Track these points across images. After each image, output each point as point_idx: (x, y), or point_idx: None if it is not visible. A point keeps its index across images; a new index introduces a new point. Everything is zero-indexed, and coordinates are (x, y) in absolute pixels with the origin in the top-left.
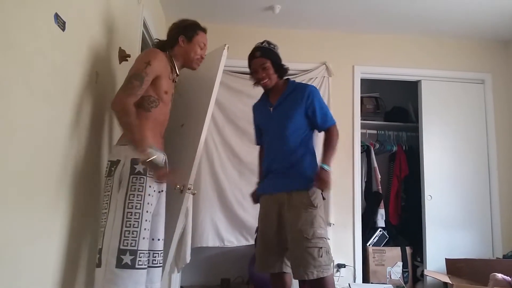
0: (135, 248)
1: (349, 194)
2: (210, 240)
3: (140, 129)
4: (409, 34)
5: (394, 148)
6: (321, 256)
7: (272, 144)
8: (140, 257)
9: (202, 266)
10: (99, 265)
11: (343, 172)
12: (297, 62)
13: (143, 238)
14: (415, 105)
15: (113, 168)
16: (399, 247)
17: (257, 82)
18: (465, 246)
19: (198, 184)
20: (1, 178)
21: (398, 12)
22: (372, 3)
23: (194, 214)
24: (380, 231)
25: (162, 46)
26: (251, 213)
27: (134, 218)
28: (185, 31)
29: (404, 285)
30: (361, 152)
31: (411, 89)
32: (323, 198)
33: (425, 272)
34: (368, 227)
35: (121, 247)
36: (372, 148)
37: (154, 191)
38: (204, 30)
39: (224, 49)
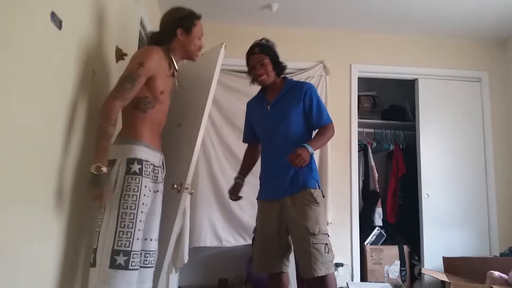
0: (129, 249)
1: (347, 193)
2: (208, 240)
3: (106, 141)
4: (406, 33)
5: (391, 147)
6: (328, 252)
7: (269, 143)
8: (134, 258)
9: (200, 266)
10: (93, 265)
11: (341, 171)
12: (294, 61)
13: (137, 238)
14: (412, 103)
15: (109, 168)
16: (397, 246)
17: (255, 79)
18: (462, 245)
19: (196, 183)
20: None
21: (395, 11)
22: (369, 2)
23: (191, 214)
24: (377, 229)
25: (158, 40)
26: (248, 213)
27: (129, 219)
28: (183, 23)
29: (402, 283)
30: (358, 151)
31: (408, 87)
32: (323, 196)
33: (423, 271)
34: (366, 226)
35: (115, 247)
36: (369, 147)
37: (150, 191)
38: (200, 18)
39: (221, 48)
